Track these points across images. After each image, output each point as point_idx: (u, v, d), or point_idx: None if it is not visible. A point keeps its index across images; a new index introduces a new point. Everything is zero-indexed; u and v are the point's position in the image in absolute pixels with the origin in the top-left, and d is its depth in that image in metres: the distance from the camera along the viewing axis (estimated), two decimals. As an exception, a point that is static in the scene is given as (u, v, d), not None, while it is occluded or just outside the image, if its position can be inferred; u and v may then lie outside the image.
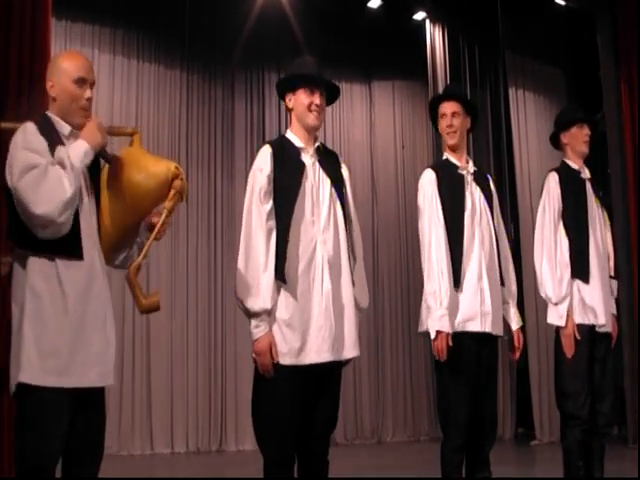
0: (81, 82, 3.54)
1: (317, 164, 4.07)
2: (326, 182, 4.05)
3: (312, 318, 3.84)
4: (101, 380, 3.47)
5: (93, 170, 3.58)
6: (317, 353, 3.81)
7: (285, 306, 3.84)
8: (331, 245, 3.94)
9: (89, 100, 3.57)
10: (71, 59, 3.63)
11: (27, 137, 3.38)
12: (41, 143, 3.38)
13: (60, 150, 3.39)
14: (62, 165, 3.33)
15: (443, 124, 4.71)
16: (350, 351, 3.93)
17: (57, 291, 3.34)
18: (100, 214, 3.59)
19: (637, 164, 9.70)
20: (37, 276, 3.35)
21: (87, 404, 3.42)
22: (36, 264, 3.36)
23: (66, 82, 3.52)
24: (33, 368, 3.27)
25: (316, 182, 4.02)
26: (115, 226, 3.60)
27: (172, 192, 3.57)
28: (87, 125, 3.51)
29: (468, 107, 4.77)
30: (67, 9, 9.73)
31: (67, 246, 3.36)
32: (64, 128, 3.53)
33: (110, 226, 3.59)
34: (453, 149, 4.72)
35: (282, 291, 3.85)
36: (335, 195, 4.05)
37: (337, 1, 10.90)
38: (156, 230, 3.59)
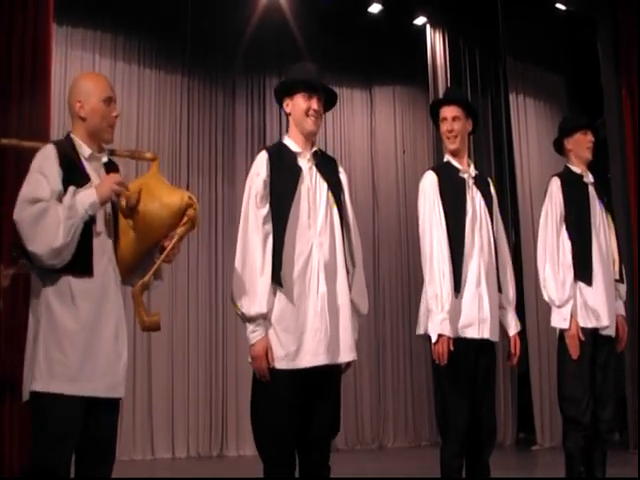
0: (109, 101, 3.70)
1: (314, 168, 4.09)
2: (323, 186, 4.06)
3: (307, 321, 3.85)
4: (110, 391, 3.54)
5: None
6: (313, 356, 3.82)
7: (281, 309, 3.86)
8: (327, 248, 3.95)
9: (116, 117, 3.73)
10: (97, 80, 3.79)
11: (42, 162, 3.51)
12: (54, 171, 3.48)
13: (68, 193, 3.46)
14: (67, 212, 3.40)
15: (444, 128, 4.70)
16: (346, 355, 3.93)
17: (69, 305, 3.46)
18: (116, 238, 3.68)
19: (638, 169, 9.71)
20: (51, 292, 3.47)
21: (101, 408, 3.50)
22: (50, 280, 3.48)
23: (96, 102, 3.66)
24: (44, 377, 3.39)
25: (313, 186, 4.04)
26: (129, 251, 3.70)
27: (185, 219, 3.65)
28: (105, 179, 3.60)
29: (469, 110, 4.77)
30: (68, 15, 9.74)
31: (77, 264, 3.46)
32: (85, 151, 3.65)
33: (125, 250, 3.69)
34: (454, 153, 4.71)
35: (278, 294, 3.87)
36: (332, 199, 4.06)
37: (338, 6, 10.91)
38: (165, 253, 3.66)
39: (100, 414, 3.50)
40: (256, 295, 3.81)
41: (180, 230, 3.66)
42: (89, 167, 3.63)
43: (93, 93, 3.66)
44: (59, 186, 3.46)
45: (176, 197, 3.67)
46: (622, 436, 10.43)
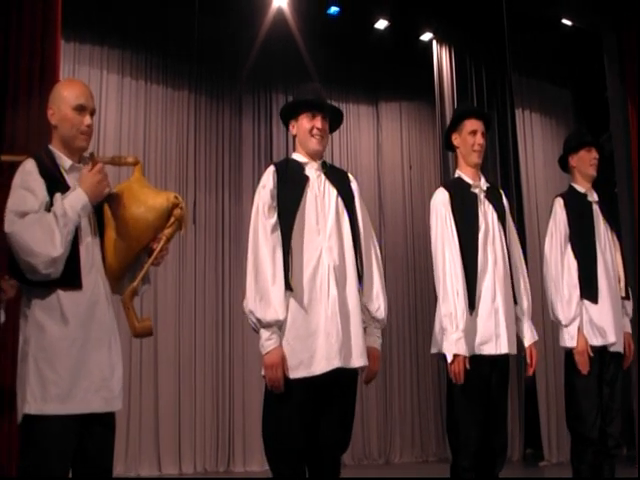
0: (80, 109, 3.60)
1: (322, 176, 4.11)
2: (332, 192, 4.08)
3: (319, 325, 3.84)
4: (106, 406, 3.50)
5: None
6: (327, 360, 3.80)
7: (292, 317, 3.86)
8: (337, 253, 3.95)
9: (89, 127, 3.63)
10: (71, 87, 3.69)
11: (25, 177, 3.46)
12: (38, 183, 3.44)
13: (57, 201, 3.43)
14: (58, 219, 3.37)
15: (473, 141, 4.69)
16: (358, 360, 3.90)
17: (59, 320, 3.40)
18: (103, 246, 3.65)
19: (644, 184, 9.70)
20: (39, 308, 3.41)
21: (97, 427, 3.47)
22: (38, 296, 3.42)
23: (66, 110, 3.59)
24: (36, 399, 3.33)
25: (321, 192, 4.06)
26: (117, 259, 3.67)
27: (171, 220, 3.65)
28: (90, 176, 3.54)
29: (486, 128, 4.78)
30: (76, 31, 9.79)
31: (66, 277, 3.41)
32: (65, 162, 3.59)
33: (112, 259, 3.66)
34: (476, 167, 4.72)
35: (290, 302, 3.87)
36: (342, 205, 4.06)
37: (344, 22, 10.93)
38: (153, 256, 3.66)
39: (95, 429, 3.46)
40: (271, 302, 3.81)
41: (167, 231, 3.66)
42: (70, 179, 3.58)
43: (64, 100, 3.60)
44: (46, 197, 3.42)
45: (161, 198, 3.66)
46: (629, 451, 10.37)
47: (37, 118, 6.36)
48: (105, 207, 3.68)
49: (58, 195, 3.45)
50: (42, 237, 3.32)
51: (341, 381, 3.89)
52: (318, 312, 3.86)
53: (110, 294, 3.65)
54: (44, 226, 3.34)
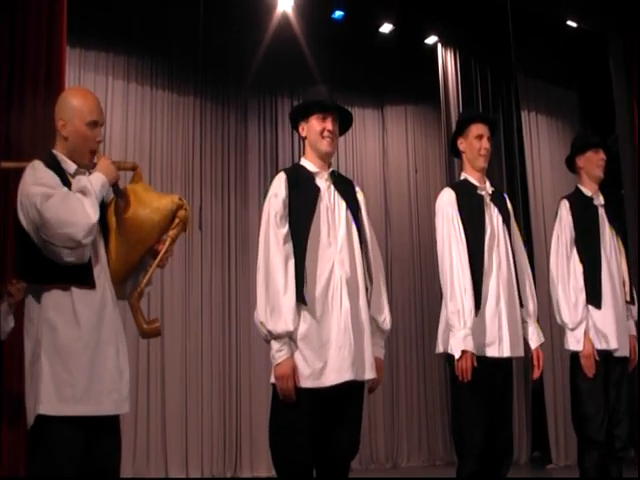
0: (93, 125, 3.60)
1: (332, 187, 4.10)
2: (342, 204, 4.07)
3: (332, 338, 3.83)
4: (116, 408, 3.52)
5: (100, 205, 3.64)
6: (338, 373, 3.79)
7: (305, 328, 3.84)
8: (348, 266, 3.95)
9: (99, 142, 3.66)
10: (83, 99, 3.66)
11: (37, 174, 3.45)
12: (52, 177, 3.45)
13: (81, 179, 3.47)
14: (84, 192, 3.41)
15: (480, 146, 4.69)
16: (369, 372, 3.91)
17: (72, 321, 3.41)
18: (108, 252, 3.66)
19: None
20: (52, 309, 3.41)
21: (103, 433, 3.48)
22: (50, 297, 3.42)
23: (79, 124, 3.58)
24: (50, 399, 3.33)
25: (331, 204, 4.05)
26: (121, 262, 3.69)
27: (176, 221, 3.67)
28: (101, 161, 3.61)
29: (492, 132, 4.80)
30: (81, 37, 9.80)
31: (79, 276, 3.44)
32: (70, 167, 3.60)
33: (116, 262, 3.67)
34: (481, 171, 4.73)
35: (302, 313, 3.85)
36: (351, 217, 4.06)
37: (349, 26, 10.94)
38: (159, 258, 3.67)
39: (102, 439, 3.47)
40: (282, 313, 3.78)
41: (172, 232, 3.68)
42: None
43: (77, 114, 3.57)
44: (62, 186, 3.44)
45: (166, 200, 3.69)
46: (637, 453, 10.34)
47: (43, 124, 6.39)
48: (109, 213, 3.69)
49: (77, 177, 3.50)
50: (77, 207, 3.34)
51: (351, 392, 3.88)
52: (330, 325, 3.85)
53: (116, 298, 3.66)
54: (74, 199, 3.37)
